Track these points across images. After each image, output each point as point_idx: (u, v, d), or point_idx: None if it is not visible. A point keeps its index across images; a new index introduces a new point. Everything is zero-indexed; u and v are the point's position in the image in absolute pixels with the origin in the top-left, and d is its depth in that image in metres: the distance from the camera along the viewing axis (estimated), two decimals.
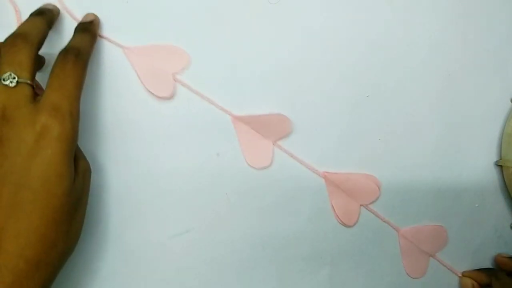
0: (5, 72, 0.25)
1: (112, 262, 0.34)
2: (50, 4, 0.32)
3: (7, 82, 0.25)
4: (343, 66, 0.37)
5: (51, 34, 0.30)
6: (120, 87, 0.34)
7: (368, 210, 0.39)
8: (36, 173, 0.25)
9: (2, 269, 0.24)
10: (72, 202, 0.27)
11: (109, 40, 0.33)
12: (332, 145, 0.38)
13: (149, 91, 0.34)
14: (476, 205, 0.41)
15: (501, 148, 0.41)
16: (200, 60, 0.35)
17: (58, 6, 0.32)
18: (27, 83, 0.26)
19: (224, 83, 0.35)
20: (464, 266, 0.41)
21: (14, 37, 0.27)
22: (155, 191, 0.35)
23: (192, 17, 0.35)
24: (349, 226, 0.38)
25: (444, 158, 0.40)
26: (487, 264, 0.42)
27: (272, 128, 0.36)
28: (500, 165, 0.41)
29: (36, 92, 0.27)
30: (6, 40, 0.27)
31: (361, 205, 0.39)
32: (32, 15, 0.30)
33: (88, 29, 0.31)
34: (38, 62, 0.31)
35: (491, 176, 0.41)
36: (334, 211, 0.38)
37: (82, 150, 0.30)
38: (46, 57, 0.32)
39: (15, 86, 0.25)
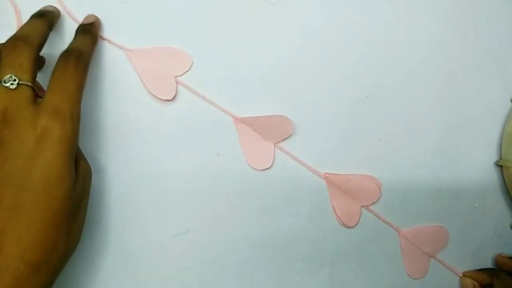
0: (6, 74, 0.25)
1: (112, 262, 0.35)
2: (50, 6, 0.32)
3: (8, 84, 0.25)
4: (343, 66, 0.37)
5: (51, 35, 0.31)
6: (121, 88, 0.34)
7: (368, 211, 0.39)
8: (36, 176, 0.25)
9: (2, 272, 0.24)
10: (73, 204, 0.27)
11: (110, 42, 0.33)
12: (332, 145, 0.38)
13: (152, 94, 0.34)
14: (476, 205, 0.41)
15: (501, 148, 0.41)
16: (200, 61, 0.35)
17: (59, 7, 0.32)
18: (28, 85, 0.26)
19: (224, 84, 0.35)
20: (464, 266, 0.41)
21: (14, 39, 0.27)
22: (155, 191, 0.35)
23: (192, 17, 0.35)
24: (350, 227, 0.38)
25: (444, 158, 0.40)
26: (487, 264, 0.42)
27: (274, 129, 0.36)
28: (500, 165, 0.41)
29: (37, 93, 0.27)
30: (7, 42, 0.27)
31: (362, 206, 0.39)
32: (32, 17, 0.30)
33: (89, 31, 0.31)
34: (39, 64, 0.31)
35: (491, 176, 0.41)
36: (335, 212, 0.38)
37: (83, 151, 0.30)
38: (47, 59, 0.32)
39: (16, 88, 0.25)
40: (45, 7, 0.32)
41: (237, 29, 0.35)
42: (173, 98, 0.34)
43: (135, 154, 0.34)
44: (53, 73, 0.27)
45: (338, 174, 0.38)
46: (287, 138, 0.37)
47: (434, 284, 0.41)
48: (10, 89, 0.25)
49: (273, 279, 0.38)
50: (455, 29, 0.39)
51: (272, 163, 0.37)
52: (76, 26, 0.32)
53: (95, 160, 0.34)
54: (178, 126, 0.35)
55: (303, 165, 0.37)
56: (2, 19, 0.32)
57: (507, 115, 0.41)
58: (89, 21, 0.32)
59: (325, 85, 0.37)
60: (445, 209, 0.40)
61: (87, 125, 0.33)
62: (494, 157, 0.41)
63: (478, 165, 0.41)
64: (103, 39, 0.33)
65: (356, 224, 0.39)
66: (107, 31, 0.33)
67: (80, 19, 0.33)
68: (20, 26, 0.32)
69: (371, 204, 0.39)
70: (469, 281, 0.41)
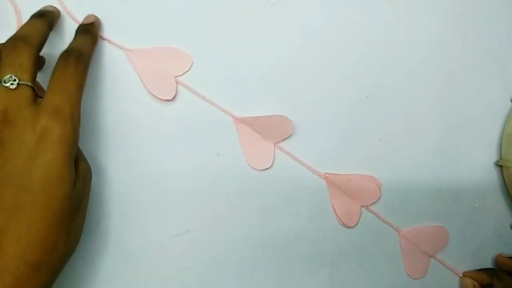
0: (6, 74, 0.25)
1: (112, 262, 0.35)
2: (50, 6, 0.32)
3: (8, 84, 0.25)
4: (343, 66, 0.37)
5: (51, 35, 0.31)
6: (121, 88, 0.34)
7: (368, 211, 0.39)
8: (36, 176, 0.25)
9: (2, 272, 0.24)
10: (73, 204, 0.27)
11: (110, 42, 0.33)
12: (332, 145, 0.38)
13: (152, 94, 0.34)
14: (476, 205, 0.41)
15: (501, 148, 0.41)
16: (200, 61, 0.35)
17: (59, 7, 0.32)
18: (28, 85, 0.26)
19: (224, 84, 0.35)
20: (464, 266, 0.41)
21: (14, 40, 0.27)
22: (155, 191, 0.35)
23: (192, 17, 0.35)
24: (350, 227, 0.38)
25: (444, 158, 0.40)
26: (487, 264, 0.42)
27: (274, 129, 0.36)
28: (500, 165, 0.41)
29: (37, 93, 0.27)
30: (7, 42, 0.27)
31: (362, 206, 0.39)
32: (32, 17, 0.30)
33: (89, 31, 0.31)
34: (39, 64, 0.31)
35: (491, 176, 0.41)
36: (335, 212, 0.38)
37: (83, 151, 0.30)
38: (47, 59, 0.32)
39: (16, 88, 0.25)
40: (45, 7, 0.32)
41: (237, 29, 0.35)
42: (173, 98, 0.34)
43: (135, 154, 0.35)
44: (53, 73, 0.27)
45: (338, 174, 0.38)
46: (287, 138, 0.37)
47: (434, 284, 0.41)
48: (10, 89, 0.25)
49: (273, 279, 0.38)
50: (455, 29, 0.39)
51: (272, 163, 0.37)
52: (76, 26, 0.32)
53: (95, 160, 0.34)
54: (178, 126, 0.35)
55: (303, 165, 0.37)
56: (2, 19, 0.32)
57: (507, 115, 0.41)
58: (89, 21, 0.32)
59: (325, 85, 0.37)
60: (445, 209, 0.40)
61: (87, 125, 0.33)
62: (494, 157, 0.41)
63: (478, 165, 0.41)
64: (103, 39, 0.33)
65: (356, 224, 0.39)
66: (107, 31, 0.33)
67: (80, 19, 0.33)
68: (20, 26, 0.32)
69: (371, 204, 0.39)
70: (469, 281, 0.41)
